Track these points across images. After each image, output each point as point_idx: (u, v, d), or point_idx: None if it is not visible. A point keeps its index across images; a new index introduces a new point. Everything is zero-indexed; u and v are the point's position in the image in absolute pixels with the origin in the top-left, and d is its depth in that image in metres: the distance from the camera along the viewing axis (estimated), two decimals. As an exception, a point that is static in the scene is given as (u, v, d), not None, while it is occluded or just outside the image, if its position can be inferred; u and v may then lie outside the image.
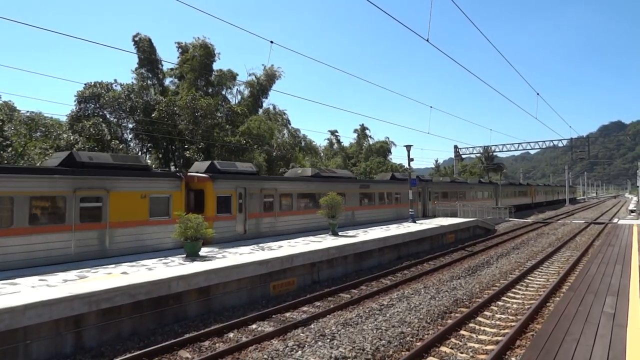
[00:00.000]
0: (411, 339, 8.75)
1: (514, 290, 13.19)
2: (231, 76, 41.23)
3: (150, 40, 37.16)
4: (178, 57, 39.51)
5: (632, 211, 47.34)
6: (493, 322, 10.06)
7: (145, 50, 36.51)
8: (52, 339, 8.19)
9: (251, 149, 34.62)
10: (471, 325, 9.78)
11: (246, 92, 43.39)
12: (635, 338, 5.92)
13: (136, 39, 36.58)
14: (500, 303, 11.69)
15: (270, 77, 42.52)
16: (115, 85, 33.52)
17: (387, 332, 9.01)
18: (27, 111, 30.89)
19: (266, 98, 44.18)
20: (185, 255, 13.47)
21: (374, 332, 8.99)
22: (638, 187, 70.36)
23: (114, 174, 14.21)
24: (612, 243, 16.44)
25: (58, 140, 28.33)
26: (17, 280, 10.04)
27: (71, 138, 28.56)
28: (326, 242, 16.85)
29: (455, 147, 63.67)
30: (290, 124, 49.30)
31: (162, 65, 38.87)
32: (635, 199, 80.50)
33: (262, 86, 42.67)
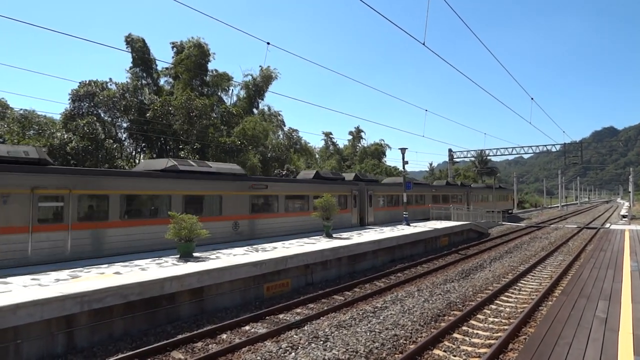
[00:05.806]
0: (404, 342, 8.76)
1: (507, 293, 13.24)
2: (227, 78, 41.15)
3: (143, 40, 37.04)
4: (173, 57, 39.38)
5: (623, 216, 47.66)
6: (486, 325, 10.09)
7: (139, 50, 36.37)
8: (44, 339, 8.12)
9: (246, 150, 34.58)
10: (464, 328, 9.80)
11: (242, 93, 43.33)
12: (627, 343, 5.96)
13: (129, 39, 36.46)
14: (493, 306, 11.73)
15: (267, 78, 42.40)
16: (111, 85, 33.38)
17: (381, 334, 9.01)
18: (20, 109, 30.79)
19: (262, 100, 44.10)
20: (179, 256, 13.41)
21: (368, 334, 8.98)
22: (630, 192, 71.02)
23: None
24: (604, 248, 16.57)
25: (51, 139, 28.15)
26: (9, 279, 9.95)
27: (65, 137, 28.38)
28: (320, 244, 16.83)
29: (450, 150, 63.83)
30: (285, 125, 49.26)
31: (156, 65, 38.77)
32: (627, 204, 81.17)
33: (258, 87, 42.55)
